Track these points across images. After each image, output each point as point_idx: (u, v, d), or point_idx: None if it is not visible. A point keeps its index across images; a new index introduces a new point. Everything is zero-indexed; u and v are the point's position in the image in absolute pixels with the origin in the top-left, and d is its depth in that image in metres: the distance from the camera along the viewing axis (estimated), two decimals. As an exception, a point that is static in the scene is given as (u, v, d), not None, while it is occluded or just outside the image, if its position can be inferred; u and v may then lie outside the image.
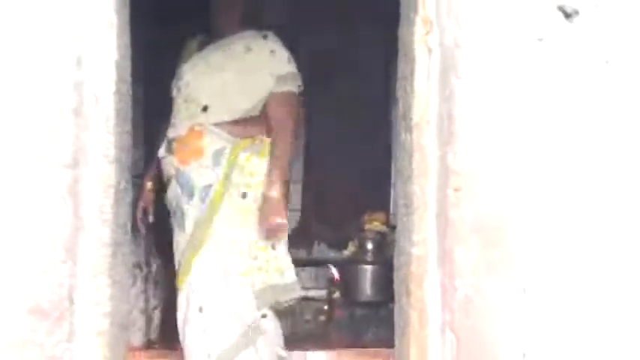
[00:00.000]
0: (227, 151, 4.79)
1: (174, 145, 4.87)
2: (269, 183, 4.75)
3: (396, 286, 3.03)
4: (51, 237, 2.49)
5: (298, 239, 8.85)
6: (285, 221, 4.81)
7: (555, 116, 2.61)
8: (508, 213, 2.60)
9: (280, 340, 4.96)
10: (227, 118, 4.85)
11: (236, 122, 4.87)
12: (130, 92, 2.98)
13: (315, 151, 8.87)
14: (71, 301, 2.55)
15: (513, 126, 2.60)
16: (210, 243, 4.69)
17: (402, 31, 3.00)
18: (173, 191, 4.88)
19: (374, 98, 8.05)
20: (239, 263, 4.70)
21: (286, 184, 5.05)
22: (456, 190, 2.59)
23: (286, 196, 5.05)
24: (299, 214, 8.88)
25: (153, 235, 5.85)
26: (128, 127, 2.96)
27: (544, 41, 2.61)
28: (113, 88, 2.71)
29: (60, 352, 2.50)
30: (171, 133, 4.92)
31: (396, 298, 3.02)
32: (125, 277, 2.93)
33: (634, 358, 2.60)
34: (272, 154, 4.82)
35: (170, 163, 4.89)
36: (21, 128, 2.49)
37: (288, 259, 4.91)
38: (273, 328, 4.86)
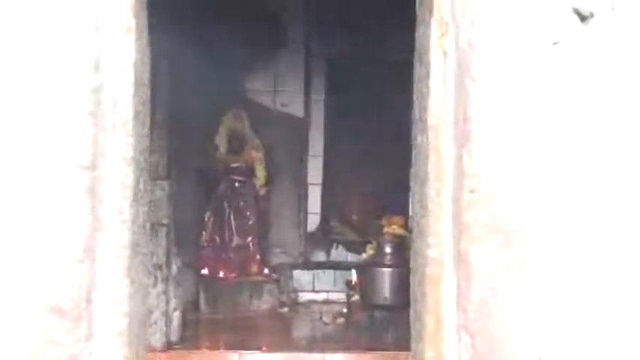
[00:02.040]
0: None
1: None
2: None
3: (412, 289, 3.04)
4: (70, 237, 2.52)
5: (317, 242, 8.91)
6: None
7: (570, 118, 2.60)
8: (524, 214, 2.59)
9: None
10: None
11: None
12: (149, 95, 3.00)
13: (334, 154, 8.89)
14: (90, 300, 2.57)
15: (528, 127, 2.60)
16: None
17: (417, 34, 3.02)
18: None
19: (394, 101, 8.03)
20: None
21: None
22: (471, 191, 2.59)
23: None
24: (318, 217, 8.92)
25: (174, 235, 5.88)
26: (147, 129, 2.99)
27: (559, 44, 2.61)
28: (132, 91, 2.74)
29: (79, 351, 2.52)
30: None
31: (412, 300, 3.03)
32: (144, 277, 2.96)
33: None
34: None
35: None
36: (40, 131, 2.51)
37: None
38: None
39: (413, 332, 3.04)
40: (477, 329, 2.60)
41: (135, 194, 2.76)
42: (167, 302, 5.59)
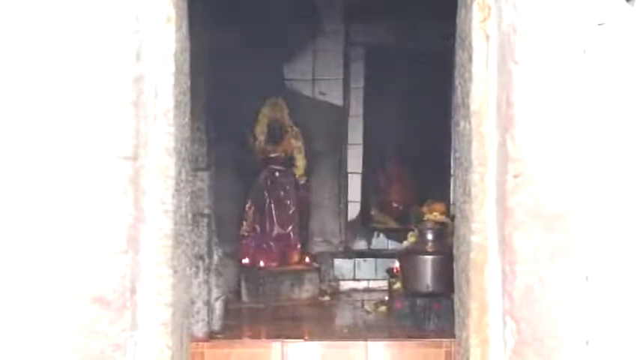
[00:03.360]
0: None
1: None
2: None
3: (455, 275, 3.02)
4: (113, 228, 2.52)
5: (358, 230, 8.91)
6: None
7: (616, 101, 2.56)
8: (569, 199, 2.55)
9: None
10: None
11: None
12: (189, 85, 3.00)
13: (374, 142, 8.87)
14: (133, 291, 2.57)
15: (573, 111, 2.56)
16: None
17: (459, 19, 2.98)
18: None
19: (435, 88, 8.01)
20: None
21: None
22: (516, 176, 2.56)
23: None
24: (359, 205, 8.91)
25: (215, 225, 5.90)
26: (187, 119, 2.98)
27: (605, 25, 2.56)
28: (172, 80, 2.73)
29: (123, 341, 2.53)
30: None
31: (456, 287, 3.01)
32: (186, 267, 2.96)
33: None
34: None
35: None
36: (83, 122, 2.52)
37: None
38: None
39: (457, 319, 3.01)
40: (522, 315, 2.57)
41: (177, 184, 2.75)
42: (209, 292, 5.63)
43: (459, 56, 2.97)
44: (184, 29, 2.91)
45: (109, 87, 2.54)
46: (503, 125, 2.62)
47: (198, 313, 5.54)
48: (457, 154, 3.02)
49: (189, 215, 3.04)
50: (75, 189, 2.51)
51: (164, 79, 2.71)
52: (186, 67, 2.95)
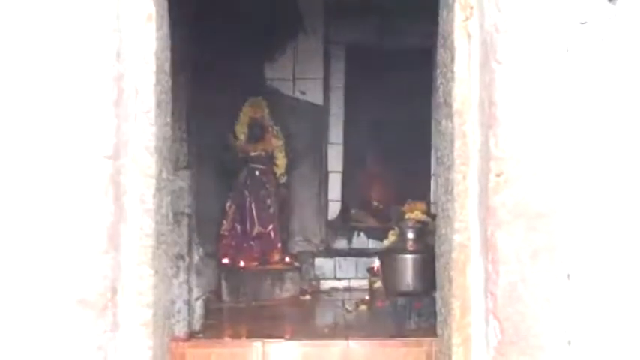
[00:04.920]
0: None
1: None
2: None
3: (437, 274, 3.02)
4: (94, 228, 2.49)
5: (338, 229, 8.89)
6: None
7: (599, 100, 2.56)
8: (551, 198, 2.55)
9: None
10: None
11: None
12: (170, 84, 2.98)
13: (354, 141, 8.87)
14: (115, 291, 2.55)
15: (556, 110, 2.56)
16: None
17: (441, 18, 2.98)
18: None
19: (416, 87, 8.00)
20: None
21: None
22: (498, 175, 2.55)
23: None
24: (339, 204, 8.90)
25: (195, 225, 5.88)
26: (169, 118, 2.96)
27: (587, 24, 2.57)
28: (153, 79, 2.71)
29: (105, 342, 2.51)
30: None
31: (438, 286, 3.01)
32: (167, 267, 2.94)
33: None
34: None
35: None
36: (63, 121, 2.49)
37: None
38: None
39: (439, 318, 3.02)
40: (505, 314, 2.57)
41: (158, 184, 2.74)
42: (189, 291, 5.60)
43: (441, 55, 2.97)
44: (165, 28, 2.89)
45: (89, 86, 2.51)
46: (486, 124, 2.61)
47: (179, 312, 5.51)
48: (439, 153, 3.02)
49: (170, 215, 3.02)
50: (55, 188, 2.48)
51: (145, 78, 2.69)
52: (167, 66, 2.93)
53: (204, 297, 5.87)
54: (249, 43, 7.58)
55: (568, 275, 2.56)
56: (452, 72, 2.78)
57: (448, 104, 2.84)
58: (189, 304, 5.60)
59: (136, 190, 2.66)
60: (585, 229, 2.57)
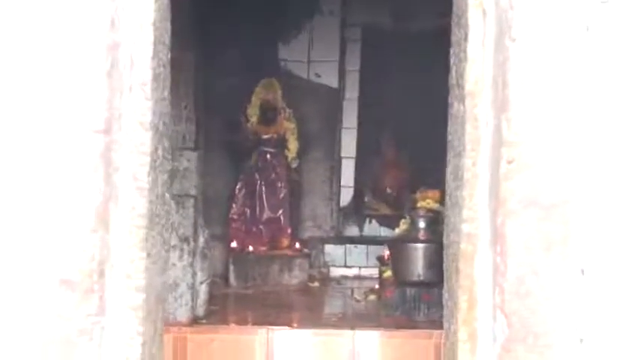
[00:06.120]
0: None
1: None
2: None
3: (445, 265, 2.89)
4: (82, 206, 2.37)
5: (350, 216, 8.79)
6: None
7: (620, 83, 2.40)
8: (566, 187, 2.40)
9: None
10: None
11: None
12: (169, 57, 2.86)
13: (369, 126, 8.74)
14: (102, 273, 2.43)
15: (573, 93, 2.40)
16: None
17: (455, -5, 2.84)
18: None
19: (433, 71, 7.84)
20: None
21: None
22: (510, 161, 2.41)
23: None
24: (352, 190, 8.79)
25: (201, 207, 5.77)
26: (167, 93, 2.84)
27: (609, 2, 2.41)
28: (150, 51, 2.57)
29: (90, 326, 2.39)
30: None
31: (445, 277, 2.88)
32: (161, 249, 2.82)
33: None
34: None
35: None
36: (50, 91, 2.37)
37: None
38: None
39: (445, 311, 2.89)
40: (514, 309, 2.43)
41: (153, 161, 2.61)
42: (193, 275, 5.49)
43: (455, 35, 2.84)
44: None
45: (80, 54, 2.39)
46: (499, 107, 2.47)
47: (181, 297, 5.41)
48: (449, 137, 2.89)
49: (167, 195, 2.90)
50: (41, 163, 2.37)
51: (141, 49, 2.56)
52: (166, 38, 2.80)
53: (208, 281, 5.75)
54: (262, 23, 7.45)
55: (582, 270, 2.41)
56: (464, 52, 2.64)
57: (460, 86, 2.70)
58: (192, 288, 5.49)
59: (128, 168, 2.53)
60: (602, 220, 2.41)
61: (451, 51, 2.89)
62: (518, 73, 2.41)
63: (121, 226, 2.50)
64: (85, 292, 2.38)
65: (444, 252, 2.90)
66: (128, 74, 2.52)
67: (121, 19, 2.49)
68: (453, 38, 2.86)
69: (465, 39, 2.64)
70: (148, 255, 2.60)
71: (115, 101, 2.46)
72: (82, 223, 2.38)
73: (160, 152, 2.72)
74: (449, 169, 2.89)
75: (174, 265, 5.34)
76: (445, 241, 2.90)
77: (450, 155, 2.87)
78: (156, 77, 2.63)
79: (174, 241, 5.36)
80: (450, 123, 2.88)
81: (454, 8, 2.86)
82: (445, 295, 2.90)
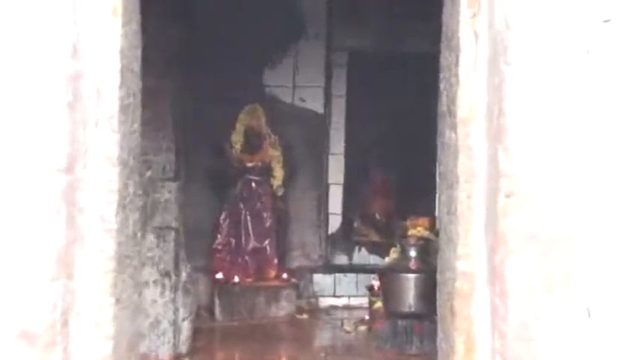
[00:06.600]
0: None
1: None
2: None
3: (439, 304, 2.71)
4: (41, 252, 2.20)
5: (339, 244, 8.62)
6: None
7: (624, 109, 2.25)
8: (569, 221, 2.24)
9: None
10: None
11: None
12: (140, 86, 2.68)
13: (356, 152, 8.60)
14: (66, 323, 2.26)
15: (574, 119, 2.24)
16: None
17: (445, 15, 2.68)
18: None
19: (422, 96, 7.71)
20: None
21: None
22: (508, 195, 2.25)
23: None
24: (340, 217, 8.63)
25: (183, 239, 5.59)
26: (137, 125, 2.66)
27: (611, 22, 2.25)
28: (118, 80, 2.42)
29: (52, 382, 2.20)
30: None
31: (440, 317, 2.71)
32: (133, 293, 2.63)
33: None
34: None
35: None
36: (7, 127, 2.19)
37: None
38: None
39: (440, 354, 2.71)
40: (515, 355, 2.26)
41: (122, 199, 2.45)
42: (175, 312, 5.29)
43: (445, 58, 2.69)
44: (135, 24, 2.62)
45: (38, 85, 2.24)
46: (494, 136, 2.32)
47: (164, 334, 5.22)
48: (442, 168, 2.71)
49: (139, 234, 2.72)
50: (-5, 206, 2.17)
51: (108, 78, 2.41)
52: (135, 66, 2.65)
53: (191, 317, 5.55)
54: (246, 47, 7.30)
55: (588, 311, 2.25)
56: (456, 76, 2.48)
57: (452, 113, 2.54)
58: (175, 324, 5.29)
59: (95, 207, 2.36)
60: (608, 257, 2.25)
61: (441, 75, 2.72)
62: (514, 99, 2.27)
63: (87, 270, 2.34)
64: (46, 346, 2.22)
65: (438, 290, 2.74)
66: (94, 106, 2.37)
67: (84, 47, 2.34)
68: (443, 62, 2.70)
69: (456, 63, 2.49)
70: (118, 300, 2.44)
71: (79, 135, 2.31)
72: (42, 271, 2.21)
73: (130, 189, 2.56)
74: (441, 201, 2.74)
75: (155, 301, 5.17)
76: (439, 278, 2.73)
77: (442, 186, 2.71)
78: (124, 108, 2.47)
79: (154, 276, 5.19)
80: (441, 152, 2.72)
81: (444, 29, 2.72)
82: (440, 335, 2.73)
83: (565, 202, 2.25)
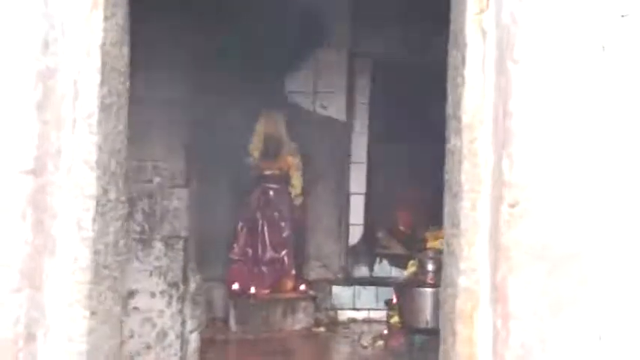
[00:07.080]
0: None
1: None
2: None
3: (441, 324, 2.55)
4: (2, 260, 2.06)
5: (360, 255, 8.46)
6: None
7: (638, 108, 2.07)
8: (579, 236, 2.09)
9: None
10: None
11: None
12: (127, 85, 2.53)
13: (380, 160, 8.45)
14: (32, 338, 2.12)
15: (587, 123, 2.08)
16: None
17: (452, 12, 2.53)
18: None
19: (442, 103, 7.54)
20: None
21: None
22: (512, 205, 2.10)
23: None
24: (361, 228, 8.48)
25: (193, 249, 5.45)
26: (123, 126, 2.51)
27: (628, 17, 2.11)
28: (97, 78, 2.29)
29: (15, 404, 2.06)
30: None
31: (441, 338, 2.52)
32: (113, 305, 2.48)
33: None
34: None
35: None
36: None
37: None
38: None
39: (441, 377, 2.52)
40: (519, 383, 2.08)
41: (101, 206, 2.31)
42: (183, 324, 5.15)
43: (452, 57, 2.54)
44: (120, 19, 2.49)
45: (4, 83, 2.09)
46: (499, 140, 2.15)
47: (170, 346, 5.09)
48: (447, 176, 2.54)
49: (122, 242, 2.56)
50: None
51: (87, 76, 2.28)
52: (121, 65, 2.52)
53: (200, 329, 5.41)
54: (267, 52, 7.17)
55: (599, 336, 2.08)
56: (462, 76, 2.33)
57: (457, 117, 2.38)
58: (182, 336, 5.15)
59: (70, 214, 2.23)
60: (622, 276, 2.10)
61: (448, 76, 2.57)
62: (521, 100, 2.12)
63: (59, 281, 2.21)
64: (7, 364, 2.05)
65: (440, 309, 2.57)
66: (70, 106, 2.24)
67: (59, 42, 2.21)
68: (451, 61, 2.56)
69: (463, 62, 2.36)
70: (93, 313, 2.29)
71: (51, 136, 2.17)
72: (3, 281, 2.07)
73: (111, 195, 2.43)
74: (446, 212, 2.57)
75: (162, 312, 5.03)
76: (441, 296, 2.57)
77: (447, 196, 2.55)
78: (105, 108, 2.34)
79: (162, 286, 5.04)
80: (446, 160, 2.55)
81: (451, 27, 2.57)
82: (441, 358, 2.54)
83: (576, 215, 2.09)
